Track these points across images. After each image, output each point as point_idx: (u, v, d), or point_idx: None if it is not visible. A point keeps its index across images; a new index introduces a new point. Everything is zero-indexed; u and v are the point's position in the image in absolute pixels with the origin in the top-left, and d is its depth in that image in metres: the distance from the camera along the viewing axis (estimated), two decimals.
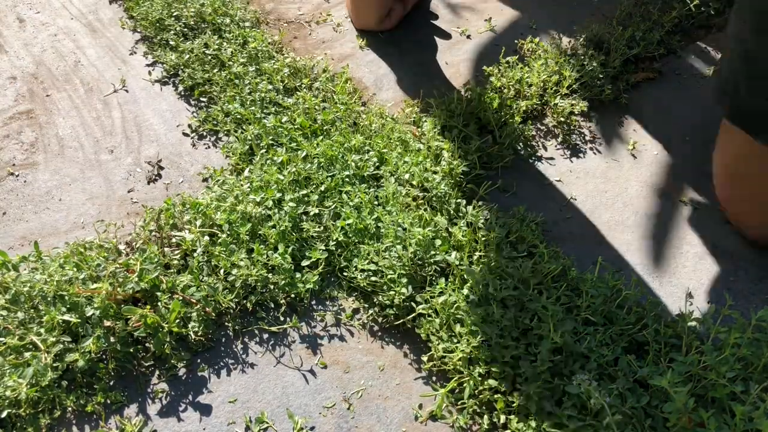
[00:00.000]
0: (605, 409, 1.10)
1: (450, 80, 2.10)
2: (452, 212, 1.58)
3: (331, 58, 2.19)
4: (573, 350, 1.24)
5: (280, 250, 1.48)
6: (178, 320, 1.36)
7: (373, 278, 1.44)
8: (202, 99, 2.04)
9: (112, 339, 1.32)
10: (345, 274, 1.49)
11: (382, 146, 1.74)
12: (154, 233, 1.55)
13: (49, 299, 1.35)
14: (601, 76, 1.93)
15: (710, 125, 1.88)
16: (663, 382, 1.08)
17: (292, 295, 1.48)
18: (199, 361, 1.39)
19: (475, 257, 1.47)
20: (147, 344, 1.38)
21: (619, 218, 1.65)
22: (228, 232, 1.52)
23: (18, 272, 1.40)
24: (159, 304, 1.37)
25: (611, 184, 1.74)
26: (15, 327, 1.31)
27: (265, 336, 1.43)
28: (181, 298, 1.38)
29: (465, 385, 1.27)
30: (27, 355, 1.26)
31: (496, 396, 1.25)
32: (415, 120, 1.89)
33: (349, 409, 1.31)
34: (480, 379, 1.27)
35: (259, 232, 1.53)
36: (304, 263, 1.49)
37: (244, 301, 1.45)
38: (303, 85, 2.00)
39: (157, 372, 1.37)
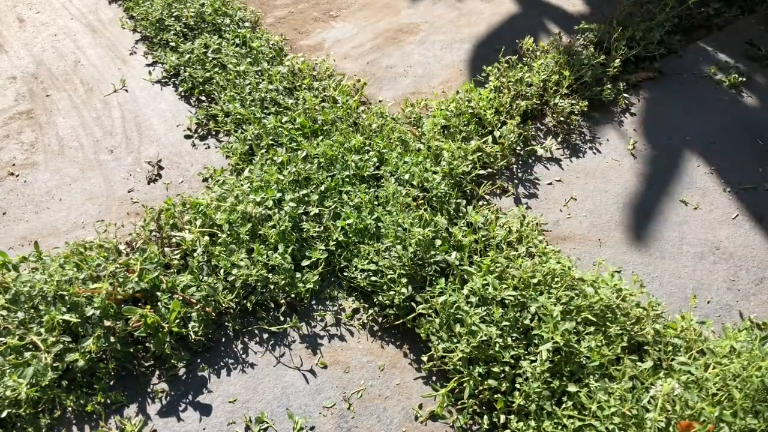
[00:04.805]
0: (604, 409, 1.10)
1: (450, 80, 2.10)
2: (452, 212, 1.58)
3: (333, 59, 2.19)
4: (573, 350, 1.24)
5: (280, 250, 1.48)
6: (178, 320, 1.36)
7: (373, 278, 1.44)
8: (202, 99, 2.04)
9: (112, 339, 1.32)
10: (345, 274, 1.49)
11: (382, 146, 1.74)
12: (154, 233, 1.55)
13: (49, 299, 1.35)
14: (601, 76, 1.93)
15: (710, 125, 1.88)
16: (665, 387, 1.08)
17: (292, 295, 1.48)
18: (199, 361, 1.39)
19: (475, 257, 1.47)
20: (147, 344, 1.38)
21: (619, 218, 1.65)
22: (228, 232, 1.52)
23: (18, 272, 1.40)
24: (159, 304, 1.37)
25: (611, 184, 1.74)
26: (15, 327, 1.31)
27: (265, 336, 1.43)
28: (181, 298, 1.38)
29: (465, 385, 1.27)
30: (27, 355, 1.26)
31: (496, 396, 1.25)
32: (414, 120, 1.89)
33: (349, 409, 1.31)
34: (480, 379, 1.26)
35: (259, 232, 1.53)
36: (304, 263, 1.49)
37: (244, 301, 1.45)
38: (303, 85, 2.00)
39: (157, 372, 1.37)
